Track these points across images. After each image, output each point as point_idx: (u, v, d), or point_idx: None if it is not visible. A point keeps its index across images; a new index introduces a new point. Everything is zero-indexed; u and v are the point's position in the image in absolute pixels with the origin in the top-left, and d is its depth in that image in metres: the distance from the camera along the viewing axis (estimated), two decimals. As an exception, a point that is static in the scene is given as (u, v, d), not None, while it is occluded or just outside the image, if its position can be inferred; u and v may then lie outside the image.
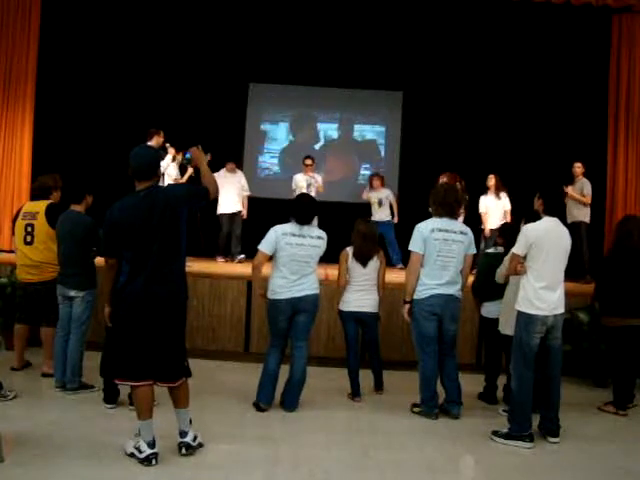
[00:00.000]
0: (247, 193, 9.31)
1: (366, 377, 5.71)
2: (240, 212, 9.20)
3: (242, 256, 9.01)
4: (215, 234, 9.12)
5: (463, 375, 5.37)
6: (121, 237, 3.90)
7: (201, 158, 4.22)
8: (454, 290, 5.11)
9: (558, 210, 4.86)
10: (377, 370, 5.76)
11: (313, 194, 8.68)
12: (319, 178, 9.34)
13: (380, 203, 9.47)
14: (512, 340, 4.78)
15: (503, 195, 8.68)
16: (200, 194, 4.07)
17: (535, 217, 4.92)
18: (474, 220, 8.63)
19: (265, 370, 5.15)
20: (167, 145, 8.22)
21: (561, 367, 4.82)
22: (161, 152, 4.11)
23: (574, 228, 8.24)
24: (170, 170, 8.19)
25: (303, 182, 9.14)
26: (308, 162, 9.27)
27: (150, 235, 3.84)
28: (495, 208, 8.68)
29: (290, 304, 5.06)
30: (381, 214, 9.42)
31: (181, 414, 4.10)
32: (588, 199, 8.35)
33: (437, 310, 5.06)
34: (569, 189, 8.32)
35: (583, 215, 8.33)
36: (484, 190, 8.98)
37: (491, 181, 8.75)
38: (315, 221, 5.42)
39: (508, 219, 8.31)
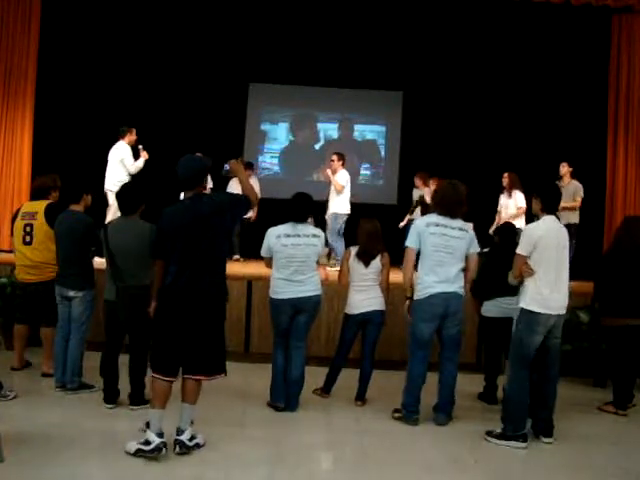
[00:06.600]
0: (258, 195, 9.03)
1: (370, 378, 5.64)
2: (250, 217, 8.78)
3: (237, 256, 9.07)
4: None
5: (463, 375, 5.34)
6: (169, 241, 4.13)
7: (240, 170, 4.44)
8: (455, 287, 4.93)
9: (556, 207, 4.82)
10: (367, 371, 5.53)
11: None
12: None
13: (417, 203, 9.08)
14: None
15: (515, 194, 8.46)
16: (243, 202, 4.30)
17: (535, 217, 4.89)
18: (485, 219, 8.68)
19: (275, 368, 5.16)
20: (140, 147, 7.88)
21: (559, 368, 4.81)
22: (206, 161, 4.39)
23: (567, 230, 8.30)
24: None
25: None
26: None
27: (195, 240, 4.07)
28: (505, 207, 8.62)
29: (291, 304, 5.06)
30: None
31: (186, 410, 4.15)
32: (578, 203, 8.40)
33: (438, 310, 4.91)
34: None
35: (574, 217, 8.36)
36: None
37: (504, 179, 8.69)
38: (310, 220, 5.40)
39: (521, 217, 8.23)
